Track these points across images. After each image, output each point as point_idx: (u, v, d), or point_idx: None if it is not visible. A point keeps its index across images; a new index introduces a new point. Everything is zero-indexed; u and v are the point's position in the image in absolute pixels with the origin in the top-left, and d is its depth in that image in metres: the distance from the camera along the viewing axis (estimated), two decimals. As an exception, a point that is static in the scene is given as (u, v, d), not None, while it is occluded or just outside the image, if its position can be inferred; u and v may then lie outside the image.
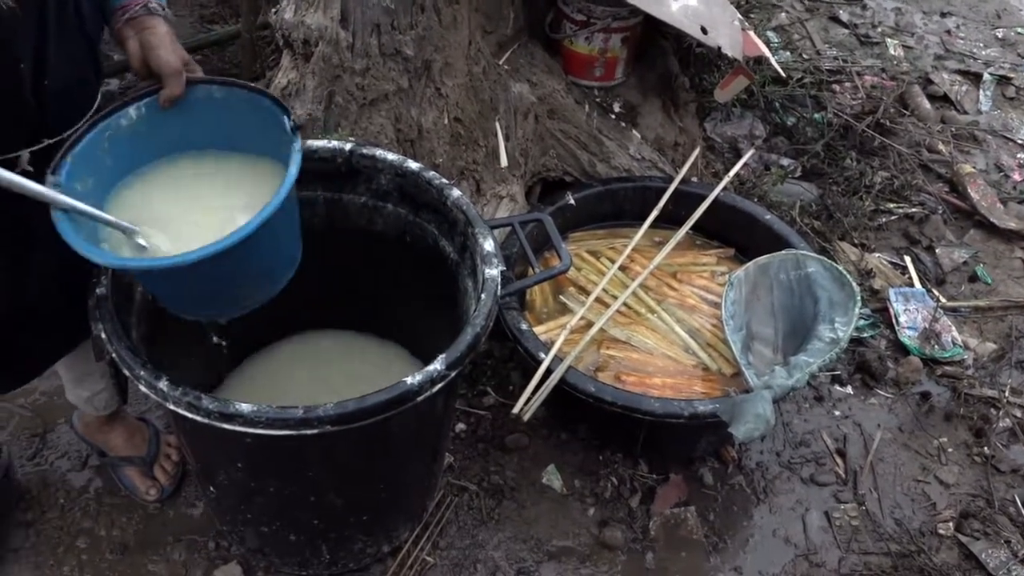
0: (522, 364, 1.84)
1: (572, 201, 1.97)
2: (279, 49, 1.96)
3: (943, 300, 2.23)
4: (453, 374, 1.20)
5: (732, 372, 1.75)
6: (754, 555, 1.68)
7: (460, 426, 1.81)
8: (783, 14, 3.14)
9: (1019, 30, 3.39)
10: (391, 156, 1.47)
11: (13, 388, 1.42)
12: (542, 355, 1.60)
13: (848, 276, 1.77)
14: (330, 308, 1.73)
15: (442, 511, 1.66)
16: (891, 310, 2.16)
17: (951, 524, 1.76)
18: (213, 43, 2.65)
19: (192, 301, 1.21)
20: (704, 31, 1.89)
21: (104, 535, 1.60)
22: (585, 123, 2.06)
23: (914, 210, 2.48)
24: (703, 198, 1.99)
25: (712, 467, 1.80)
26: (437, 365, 1.19)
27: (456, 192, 1.42)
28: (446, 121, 1.83)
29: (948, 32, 3.34)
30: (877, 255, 2.34)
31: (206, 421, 1.12)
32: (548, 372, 1.59)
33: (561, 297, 1.89)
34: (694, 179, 2.10)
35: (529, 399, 1.59)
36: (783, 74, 2.35)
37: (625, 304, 1.85)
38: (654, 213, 1.97)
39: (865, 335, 2.12)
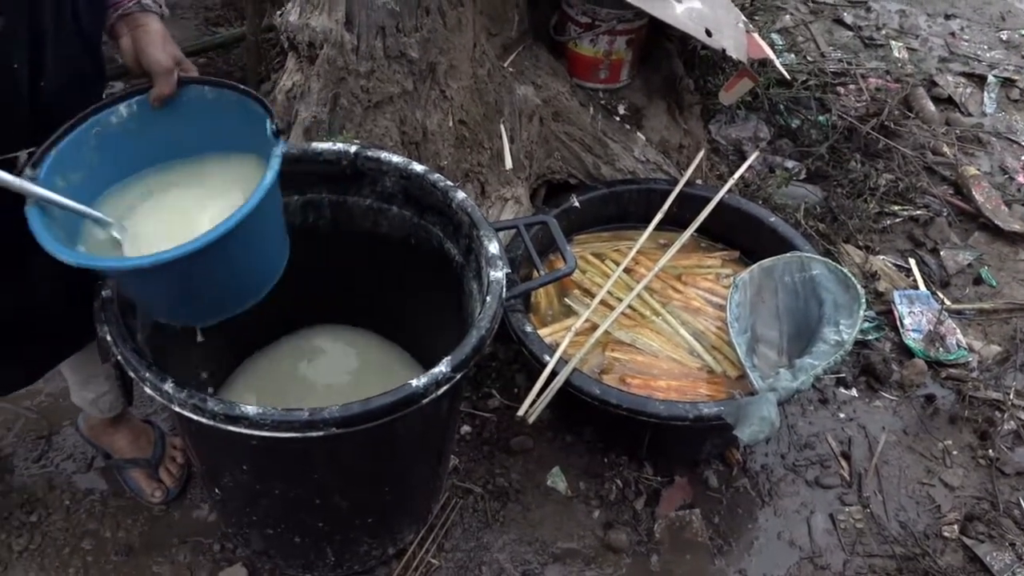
0: (527, 366, 1.84)
1: (577, 203, 1.97)
2: (284, 52, 1.97)
3: (948, 302, 2.23)
4: (458, 376, 1.21)
5: (737, 375, 1.75)
6: (759, 558, 1.68)
7: (465, 428, 1.81)
8: (787, 16, 3.14)
9: (1023, 32, 3.39)
10: (396, 158, 1.47)
11: (16, 389, 1.42)
12: (547, 357, 1.60)
13: (853, 279, 1.76)
14: (334, 309, 1.73)
15: (447, 513, 1.66)
16: (895, 312, 2.16)
17: (956, 527, 1.76)
18: (218, 46, 2.66)
19: (168, 305, 1.19)
20: (709, 33, 1.89)
21: (109, 537, 1.60)
22: (590, 125, 2.07)
23: (919, 212, 2.48)
24: (708, 200, 1.99)
25: (717, 470, 1.80)
26: (443, 367, 1.19)
27: (461, 194, 1.42)
28: (451, 123, 1.83)
29: (952, 34, 3.34)
30: (881, 257, 2.34)
31: (211, 423, 1.12)
32: (553, 374, 1.59)
33: (566, 299, 1.89)
34: (699, 181, 2.10)
35: (534, 401, 1.59)
36: (787, 76, 2.35)
37: (630, 306, 1.85)
38: (659, 215, 1.97)
39: (869, 338, 2.12)
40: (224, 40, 2.66)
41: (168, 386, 1.13)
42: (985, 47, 3.28)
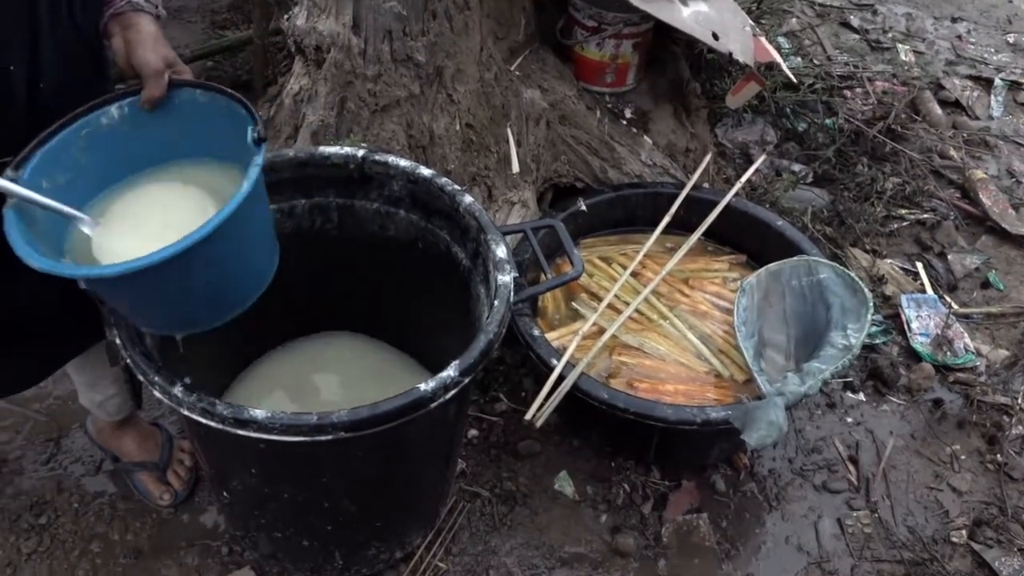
0: (534, 370, 1.84)
1: (584, 207, 1.97)
2: (291, 55, 1.97)
3: (955, 306, 2.22)
4: (467, 380, 1.21)
5: (744, 379, 1.75)
6: (766, 562, 1.68)
7: (472, 432, 1.81)
8: (794, 19, 3.14)
9: (1030, 35, 3.39)
10: (403, 162, 1.47)
11: (18, 390, 1.41)
12: (554, 361, 1.60)
13: (860, 282, 1.76)
14: (341, 313, 1.73)
15: (454, 517, 1.66)
16: (903, 316, 2.16)
17: (964, 532, 1.75)
18: (225, 49, 2.67)
19: (143, 314, 1.16)
20: (715, 37, 1.90)
21: (118, 540, 1.61)
22: (596, 129, 2.07)
23: (926, 216, 2.47)
24: (715, 204, 1.99)
25: (724, 474, 1.80)
26: (451, 372, 1.19)
27: (468, 198, 1.42)
28: (458, 127, 1.83)
29: (959, 37, 3.34)
30: (889, 261, 2.34)
31: (220, 427, 1.12)
32: (560, 378, 1.59)
33: (573, 303, 1.89)
34: (705, 185, 2.10)
35: (542, 405, 1.58)
36: (794, 80, 2.35)
37: (637, 310, 1.85)
38: (666, 219, 1.97)
39: (877, 341, 2.11)
40: (231, 43, 2.67)
41: (177, 390, 1.14)
42: (992, 50, 3.27)
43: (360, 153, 1.47)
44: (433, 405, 1.17)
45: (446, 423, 1.39)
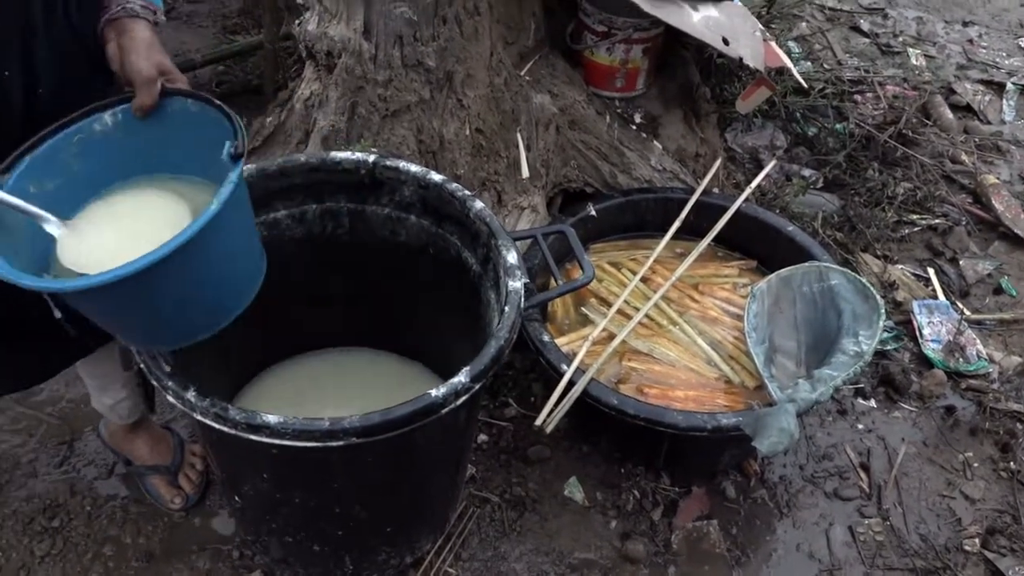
0: (544, 375, 1.84)
1: (593, 212, 1.97)
2: (301, 60, 1.99)
3: (967, 313, 2.21)
4: (477, 386, 1.21)
5: (755, 385, 1.74)
6: (777, 570, 1.67)
7: (482, 437, 1.81)
8: (804, 24, 3.13)
9: (1043, 39, 3.37)
10: (414, 168, 1.47)
11: (17, 389, 1.41)
12: (564, 367, 1.60)
13: (872, 289, 1.75)
14: (351, 325, 1.73)
15: (464, 522, 1.66)
16: (915, 323, 2.14)
17: (977, 540, 1.74)
18: (236, 54, 2.68)
19: (114, 328, 1.14)
20: (726, 42, 1.89)
21: (130, 543, 1.61)
22: (606, 134, 2.07)
23: (937, 221, 2.46)
24: (725, 209, 1.98)
25: (735, 480, 1.79)
26: (461, 378, 1.19)
27: (479, 204, 1.42)
28: (468, 132, 1.84)
29: (970, 41, 3.32)
30: (900, 267, 2.33)
31: (233, 432, 1.13)
32: (570, 384, 1.59)
33: (583, 308, 1.89)
34: (715, 190, 2.10)
35: (552, 411, 1.58)
36: (805, 85, 2.34)
37: (647, 316, 1.84)
38: (676, 224, 1.96)
39: (888, 348, 2.10)
40: (241, 48, 2.68)
41: (190, 394, 1.14)
42: (1004, 54, 3.26)
43: (371, 158, 1.47)
44: (444, 411, 1.17)
45: (457, 429, 1.39)
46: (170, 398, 1.16)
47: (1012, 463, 1.87)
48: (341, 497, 1.33)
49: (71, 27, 1.12)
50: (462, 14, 1.73)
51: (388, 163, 1.47)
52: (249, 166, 1.44)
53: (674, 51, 2.23)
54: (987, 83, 3.06)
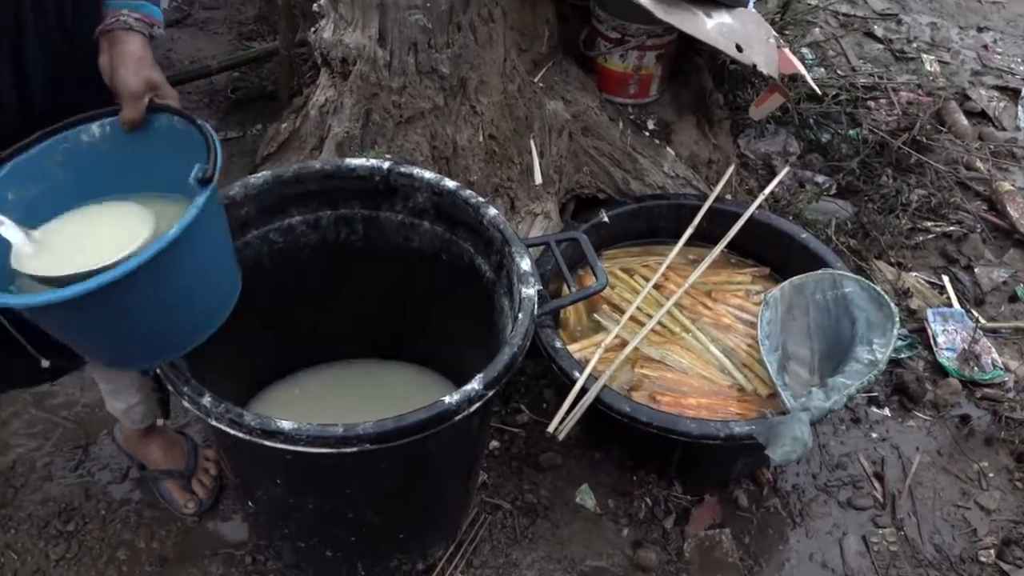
0: (556, 382, 1.84)
1: (606, 219, 1.97)
2: (316, 66, 2.00)
3: (982, 321, 2.20)
4: (491, 394, 1.21)
5: (768, 393, 1.73)
6: (790, 579, 1.66)
7: (494, 443, 1.81)
8: (817, 30, 3.12)
9: (1058, 45, 3.35)
10: (428, 174, 1.48)
11: (17, 387, 1.41)
12: (577, 374, 1.60)
13: (886, 296, 1.75)
14: (363, 328, 1.73)
15: (476, 529, 1.66)
16: (929, 331, 2.13)
17: (992, 551, 1.72)
18: (251, 60, 2.70)
19: (83, 348, 1.12)
20: (739, 49, 1.89)
21: (144, 547, 1.62)
22: (619, 140, 2.07)
23: (952, 228, 2.45)
24: (738, 216, 1.98)
25: (747, 489, 1.78)
26: (475, 384, 1.19)
27: (493, 211, 1.42)
28: (481, 139, 1.84)
29: (985, 47, 3.30)
30: (914, 274, 2.31)
31: (247, 438, 1.14)
32: (583, 391, 1.59)
33: (595, 315, 1.89)
34: (728, 197, 2.09)
35: (564, 418, 1.58)
36: (818, 91, 2.34)
37: (660, 323, 1.84)
38: (688, 231, 1.96)
39: (902, 356, 2.09)
40: (257, 55, 2.70)
41: (206, 400, 1.15)
42: (1019, 60, 3.24)
43: (386, 165, 1.48)
44: (457, 418, 1.17)
45: (469, 436, 1.40)
46: (186, 403, 1.17)
47: (1028, 473, 1.86)
48: (354, 503, 1.34)
49: (63, 28, 1.12)
50: (476, 21, 1.74)
51: (402, 170, 1.48)
52: (265, 172, 1.45)
53: (687, 57, 2.23)
54: (1002, 89, 3.04)
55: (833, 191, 2.49)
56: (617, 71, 2.07)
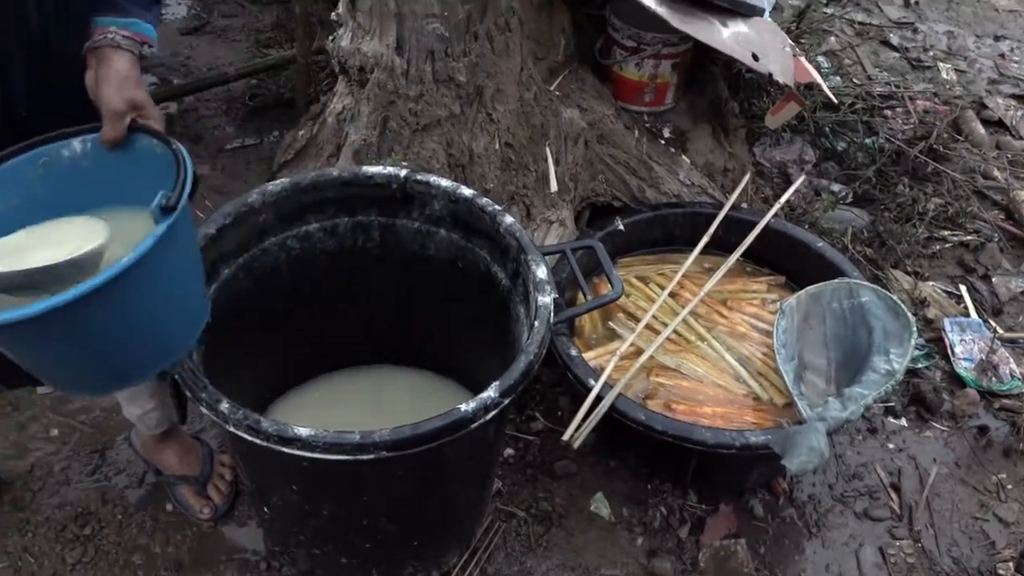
0: (571, 389, 1.84)
1: (621, 227, 1.97)
2: (334, 74, 2.01)
3: (1000, 331, 2.18)
4: (506, 402, 1.21)
5: (784, 402, 1.73)
6: (806, 590, 1.65)
7: (509, 451, 1.81)
8: (833, 39, 3.12)
9: (1077, 53, 3.32)
10: (445, 182, 1.48)
11: (18, 385, 1.42)
12: (592, 382, 1.60)
13: (903, 306, 1.74)
14: (379, 335, 1.73)
15: (490, 537, 1.65)
16: (946, 340, 2.11)
17: (1011, 564, 1.71)
18: (269, 67, 2.72)
19: (34, 371, 1.08)
20: (755, 58, 1.89)
21: (159, 552, 1.63)
22: (634, 148, 2.07)
23: (969, 238, 2.43)
24: (753, 224, 1.97)
25: (763, 499, 1.77)
26: (491, 392, 1.19)
27: (509, 219, 1.43)
28: (497, 146, 1.85)
29: (1002, 55, 3.28)
30: (931, 284, 2.30)
31: (265, 444, 1.14)
32: (598, 399, 1.58)
33: (610, 323, 1.89)
34: (744, 205, 2.09)
35: (579, 426, 1.58)
36: (834, 100, 2.33)
37: (675, 331, 1.84)
38: (704, 239, 1.96)
39: (919, 366, 2.07)
40: (275, 62, 2.72)
41: (224, 406, 1.15)
42: (1036, 68, 3.22)
43: (403, 173, 1.48)
44: (473, 426, 1.17)
45: (485, 443, 1.40)
46: (203, 409, 1.17)
47: (1048, 485, 1.84)
48: (370, 510, 1.34)
49: (46, 41, 1.12)
50: (493, 30, 1.74)
51: (419, 177, 1.48)
52: (283, 180, 1.46)
53: (703, 66, 2.23)
54: (1019, 98, 3.02)
55: (849, 200, 2.48)
56: (633, 79, 2.08)
